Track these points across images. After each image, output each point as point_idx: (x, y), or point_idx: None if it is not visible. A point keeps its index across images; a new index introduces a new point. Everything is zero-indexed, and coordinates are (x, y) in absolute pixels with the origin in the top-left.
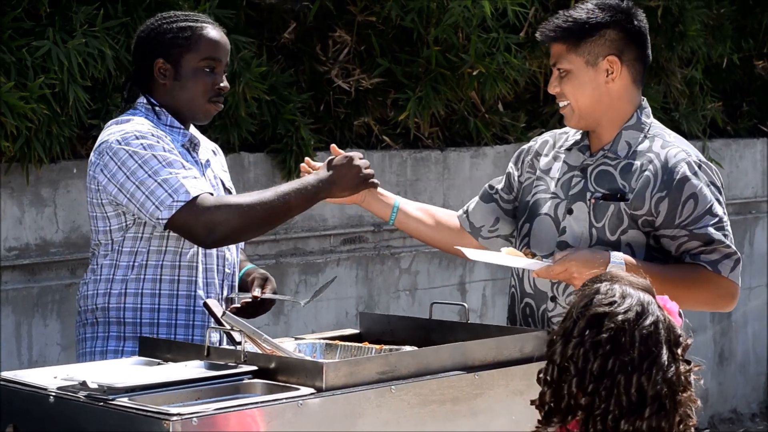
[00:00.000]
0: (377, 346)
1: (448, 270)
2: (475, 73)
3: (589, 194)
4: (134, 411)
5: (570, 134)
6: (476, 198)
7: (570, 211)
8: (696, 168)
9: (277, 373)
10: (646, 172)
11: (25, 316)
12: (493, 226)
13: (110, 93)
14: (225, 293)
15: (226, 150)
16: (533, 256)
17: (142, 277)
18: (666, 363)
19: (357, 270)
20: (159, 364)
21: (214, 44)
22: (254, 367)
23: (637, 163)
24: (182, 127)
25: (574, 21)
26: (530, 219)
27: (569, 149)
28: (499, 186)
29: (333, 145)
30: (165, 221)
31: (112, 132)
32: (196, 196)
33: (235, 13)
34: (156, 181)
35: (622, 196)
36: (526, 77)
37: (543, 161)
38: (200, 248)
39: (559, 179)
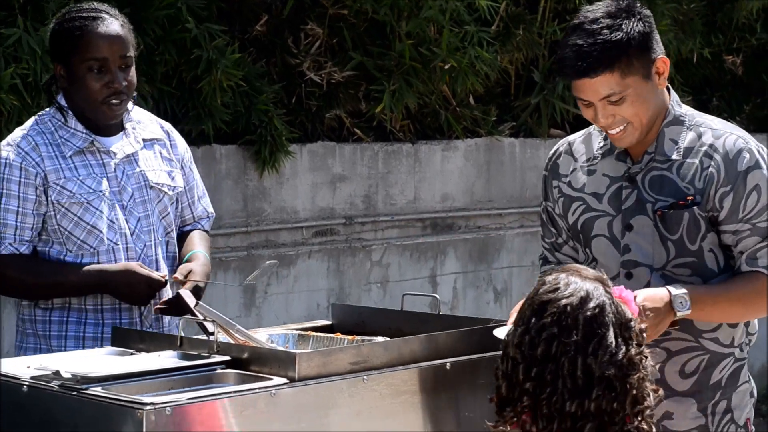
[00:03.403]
0: (349, 337)
1: (419, 263)
2: (446, 67)
3: (650, 205)
4: (108, 400)
5: (594, 142)
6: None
7: (629, 227)
8: (758, 156)
9: (250, 363)
10: (710, 169)
11: None
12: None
13: None
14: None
15: (200, 141)
16: None
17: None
18: (613, 345)
19: (328, 262)
20: (132, 354)
21: (99, 42)
22: (227, 358)
23: (694, 161)
24: (85, 131)
25: (614, 43)
26: (586, 244)
27: (602, 158)
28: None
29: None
30: None
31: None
32: None
33: (206, 3)
34: None
35: (693, 200)
36: (498, 71)
37: (571, 178)
38: (82, 256)
39: (602, 194)
